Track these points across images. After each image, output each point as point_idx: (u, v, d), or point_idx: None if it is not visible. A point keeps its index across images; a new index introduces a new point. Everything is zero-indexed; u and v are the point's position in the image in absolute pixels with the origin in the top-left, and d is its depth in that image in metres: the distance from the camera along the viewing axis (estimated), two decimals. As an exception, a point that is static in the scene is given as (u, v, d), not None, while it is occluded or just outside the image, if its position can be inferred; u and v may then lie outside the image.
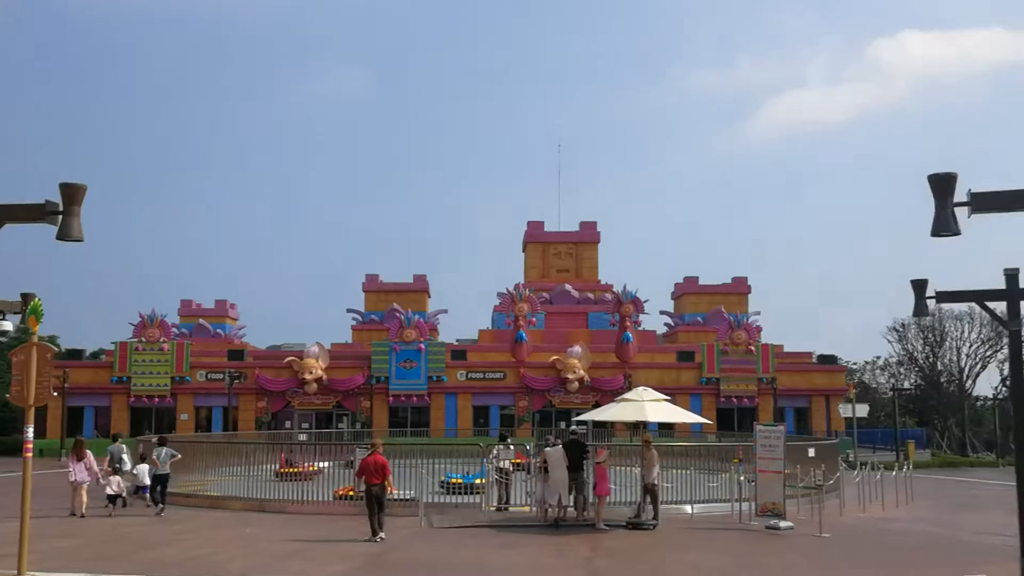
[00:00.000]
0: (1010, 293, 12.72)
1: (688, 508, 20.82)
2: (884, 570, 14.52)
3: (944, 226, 7.48)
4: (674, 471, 21.45)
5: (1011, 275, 12.74)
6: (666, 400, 19.30)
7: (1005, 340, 62.01)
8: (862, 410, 44.03)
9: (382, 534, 16.72)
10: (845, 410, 43.88)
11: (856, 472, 23.61)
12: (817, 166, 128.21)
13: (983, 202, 7.48)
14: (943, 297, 12.99)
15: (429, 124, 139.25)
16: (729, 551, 16.15)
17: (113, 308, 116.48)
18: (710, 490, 21.78)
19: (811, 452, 22.75)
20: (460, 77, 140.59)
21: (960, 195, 7.69)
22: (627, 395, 19.52)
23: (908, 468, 25.01)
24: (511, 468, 21.07)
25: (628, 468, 21.36)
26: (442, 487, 22.94)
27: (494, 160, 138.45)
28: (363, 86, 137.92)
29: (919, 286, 13.09)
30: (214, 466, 25.00)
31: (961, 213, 7.71)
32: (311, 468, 23.13)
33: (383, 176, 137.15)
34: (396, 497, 21.47)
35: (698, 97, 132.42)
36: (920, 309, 13.07)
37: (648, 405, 18.46)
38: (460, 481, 22.58)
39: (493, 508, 20.38)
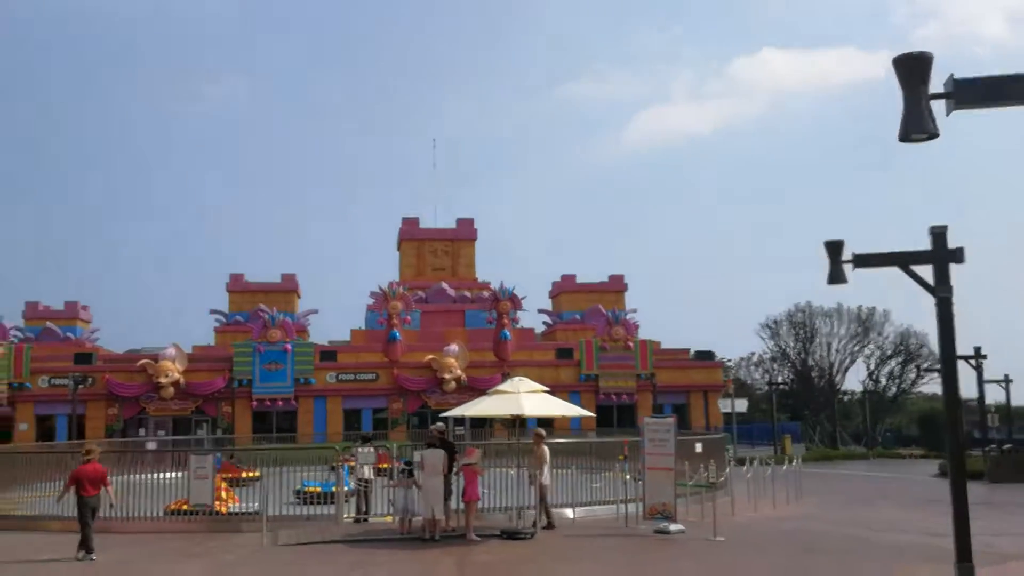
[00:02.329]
0: (937, 255, 11.13)
1: (570, 512, 18.85)
2: (790, 575, 12.84)
3: (917, 124, 5.53)
4: (555, 471, 19.40)
5: (938, 234, 11.13)
6: (545, 391, 17.22)
7: (871, 335, 63.51)
8: (741, 405, 43.37)
9: (88, 552, 14.58)
10: (724, 405, 43.04)
11: (746, 468, 22.14)
12: (688, 173, 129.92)
13: (969, 93, 5.52)
14: (861, 261, 11.27)
15: (301, 120, 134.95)
16: (615, 561, 14.19)
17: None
18: (593, 491, 19.89)
19: (698, 447, 21.10)
20: (334, 75, 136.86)
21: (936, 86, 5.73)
22: (501, 386, 17.34)
23: (797, 463, 23.73)
24: (371, 474, 18.64)
25: (504, 470, 19.27)
26: (297, 497, 20.43)
27: (368, 157, 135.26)
28: (236, 89, 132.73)
29: (834, 248, 11.33)
30: (36, 480, 21.59)
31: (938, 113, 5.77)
32: (250, 474, 21.60)
33: (255, 174, 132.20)
34: (239, 511, 18.87)
35: (571, 108, 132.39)
36: (836, 275, 11.32)
37: (524, 397, 16.33)
38: (318, 490, 20.04)
39: (350, 520, 17.95)
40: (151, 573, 13.61)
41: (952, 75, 5.92)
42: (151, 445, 32.34)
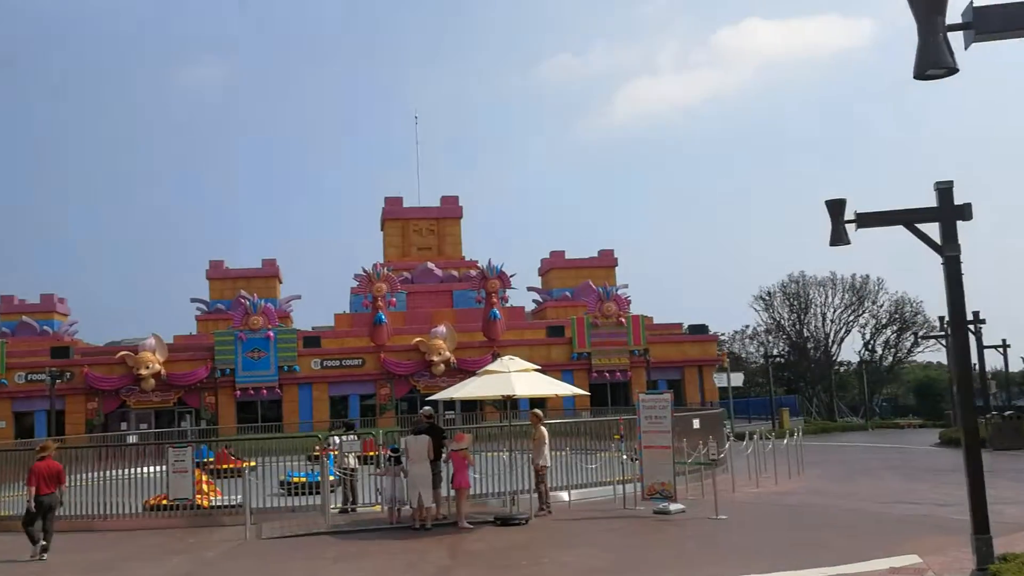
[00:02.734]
0: (943, 212, 10.43)
1: (565, 495, 18.19)
2: (799, 553, 12.16)
3: (934, 58, 4.82)
4: (552, 452, 18.68)
5: (944, 189, 10.42)
6: (536, 370, 16.50)
7: (866, 304, 63.06)
8: (737, 379, 42.80)
9: (43, 543, 14.15)
10: (720, 379, 42.44)
11: (746, 443, 21.54)
12: (675, 145, 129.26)
13: (992, 20, 4.79)
14: (864, 220, 10.57)
15: (278, 102, 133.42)
16: (614, 544, 13.52)
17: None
18: (589, 472, 19.23)
19: (696, 423, 20.49)
20: (311, 55, 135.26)
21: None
22: (491, 366, 16.62)
23: (798, 436, 23.12)
24: (356, 463, 17.94)
25: (497, 454, 18.60)
26: (283, 488, 19.70)
27: (349, 137, 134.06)
28: (211, 74, 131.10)
29: (835, 208, 10.62)
30: (12, 480, 20.69)
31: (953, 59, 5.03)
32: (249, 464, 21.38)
33: (232, 159, 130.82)
34: (221, 504, 18.14)
35: (555, 80, 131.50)
36: (838, 236, 10.61)
37: (515, 376, 15.60)
38: (303, 480, 19.31)
39: (337, 510, 17.24)
40: (127, 571, 12.86)
41: (971, 2, 5.27)
42: (132, 439, 31.46)
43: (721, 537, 13.72)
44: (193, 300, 52.60)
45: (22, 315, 51.28)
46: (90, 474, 19.10)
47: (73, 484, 18.83)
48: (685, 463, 17.95)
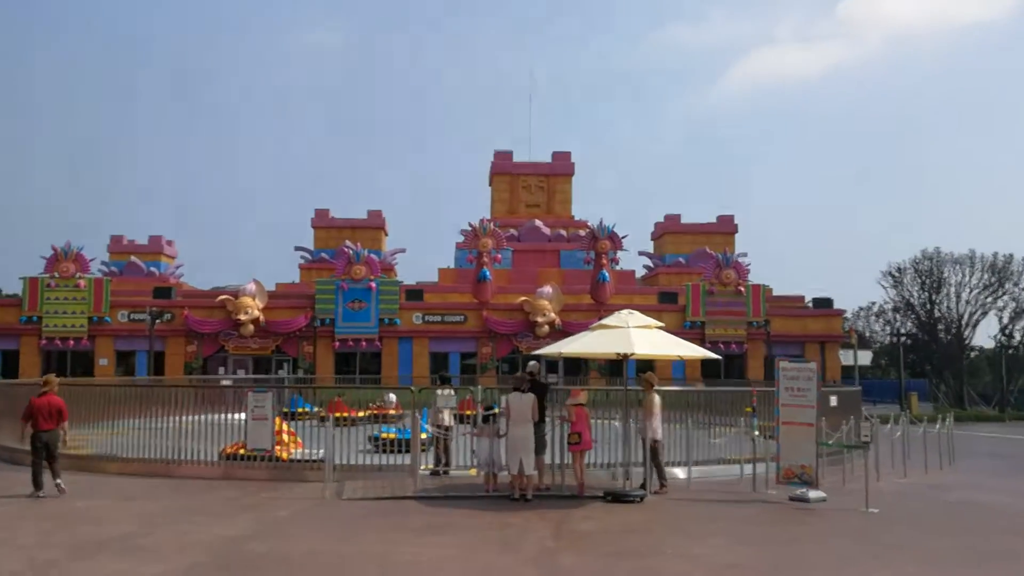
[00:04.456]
0: None
1: (681, 472, 16.01)
2: (991, 564, 9.72)
3: None
4: (668, 425, 16.45)
5: None
6: (659, 327, 14.24)
7: (1007, 286, 58.09)
8: (864, 357, 39.55)
9: (59, 481, 13.70)
10: (846, 357, 39.21)
11: (891, 426, 18.87)
12: (793, 115, 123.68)
13: None
14: None
15: (390, 55, 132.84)
16: (750, 536, 11.27)
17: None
18: (711, 448, 16.97)
19: (833, 401, 17.94)
20: (429, 12, 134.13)
21: None
22: (607, 320, 14.41)
23: (949, 422, 20.29)
24: (451, 421, 16.07)
25: (605, 421, 16.53)
26: (372, 444, 18.12)
27: (461, 91, 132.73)
28: (328, 31, 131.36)
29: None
30: (104, 418, 19.53)
31: None
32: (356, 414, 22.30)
33: (342, 110, 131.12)
34: (302, 458, 16.56)
35: (673, 49, 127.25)
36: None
37: (635, 333, 13.40)
38: (393, 436, 17.58)
39: (427, 472, 15.45)
40: (187, 526, 11.29)
41: None
42: (225, 383, 30.47)
43: (882, 536, 11.28)
44: (297, 248, 51.79)
45: (131, 255, 51.43)
46: (175, 417, 17.78)
47: (155, 427, 17.57)
48: (827, 444, 15.48)
